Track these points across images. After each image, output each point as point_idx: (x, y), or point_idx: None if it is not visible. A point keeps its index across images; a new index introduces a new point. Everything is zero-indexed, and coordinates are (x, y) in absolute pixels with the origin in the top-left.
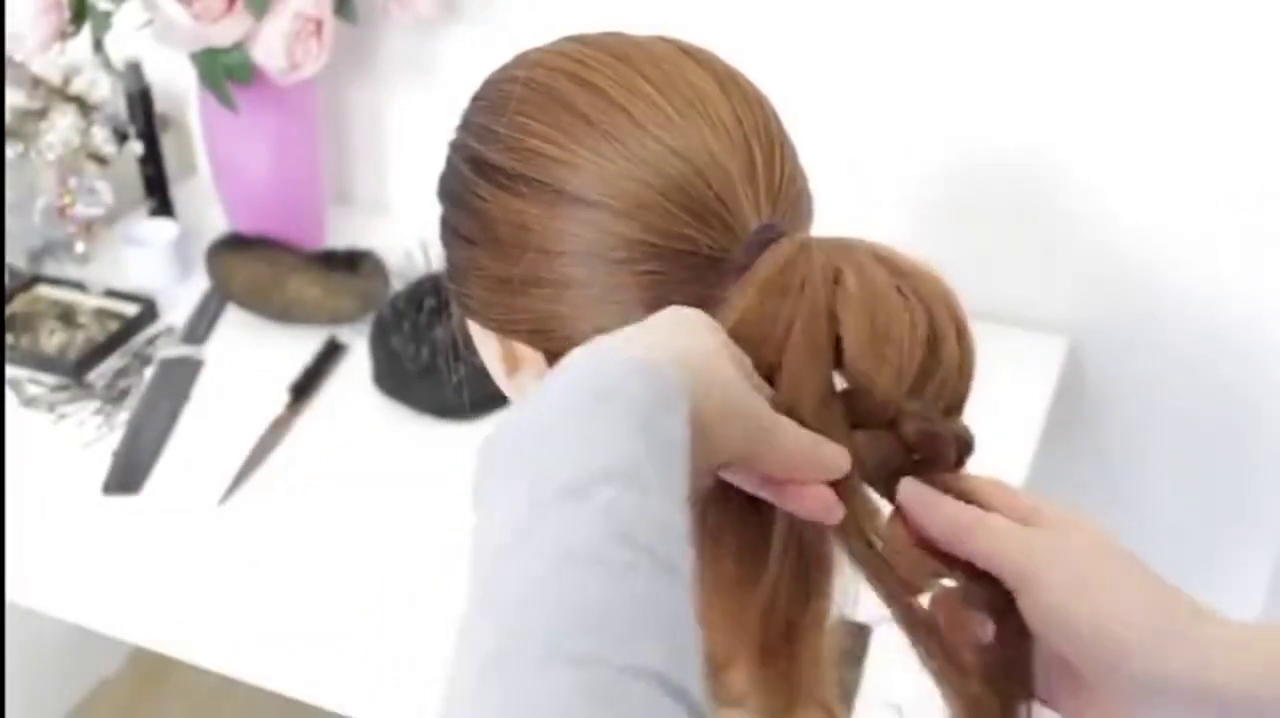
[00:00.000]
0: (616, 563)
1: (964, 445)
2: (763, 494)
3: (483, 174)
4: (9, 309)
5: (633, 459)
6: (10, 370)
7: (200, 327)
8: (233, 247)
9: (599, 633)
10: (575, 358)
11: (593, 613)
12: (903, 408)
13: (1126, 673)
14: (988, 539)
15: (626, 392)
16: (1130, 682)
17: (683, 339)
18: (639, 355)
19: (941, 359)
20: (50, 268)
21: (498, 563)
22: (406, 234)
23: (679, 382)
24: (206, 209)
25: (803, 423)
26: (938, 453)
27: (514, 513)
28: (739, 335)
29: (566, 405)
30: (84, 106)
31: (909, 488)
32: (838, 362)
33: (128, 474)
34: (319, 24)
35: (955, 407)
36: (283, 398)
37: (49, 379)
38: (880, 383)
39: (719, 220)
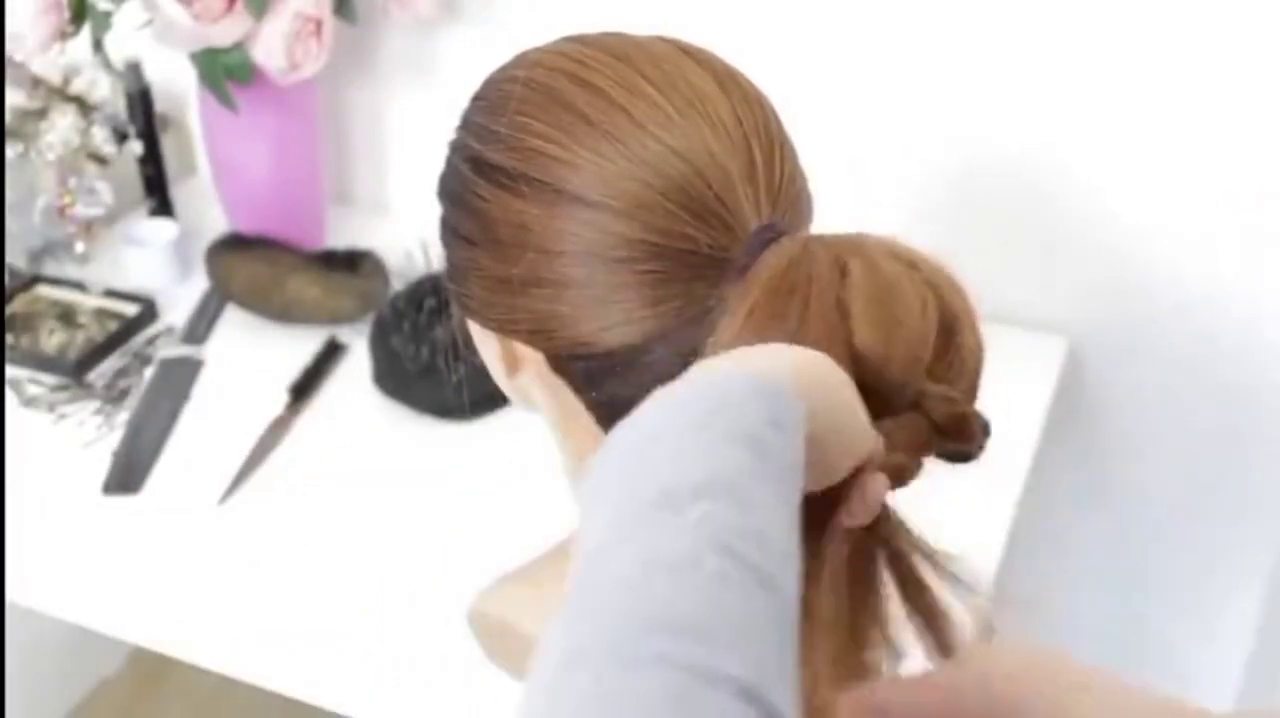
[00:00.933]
0: (709, 572)
1: (986, 429)
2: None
3: (483, 174)
4: (9, 309)
5: (738, 474)
6: (10, 370)
7: (200, 327)
8: (233, 247)
9: (683, 637)
10: (696, 370)
11: (678, 618)
12: (925, 390)
13: None
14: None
15: (740, 408)
16: None
17: (803, 354)
18: (759, 371)
19: (956, 342)
20: (50, 268)
21: (590, 566)
22: (406, 234)
23: (796, 404)
24: (206, 209)
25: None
26: (968, 434)
27: (611, 519)
28: (748, 336)
29: (678, 417)
30: (84, 106)
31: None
32: (853, 354)
33: (128, 474)
34: (319, 24)
35: (971, 392)
36: (283, 398)
37: (49, 379)
38: (896, 365)
39: (719, 220)
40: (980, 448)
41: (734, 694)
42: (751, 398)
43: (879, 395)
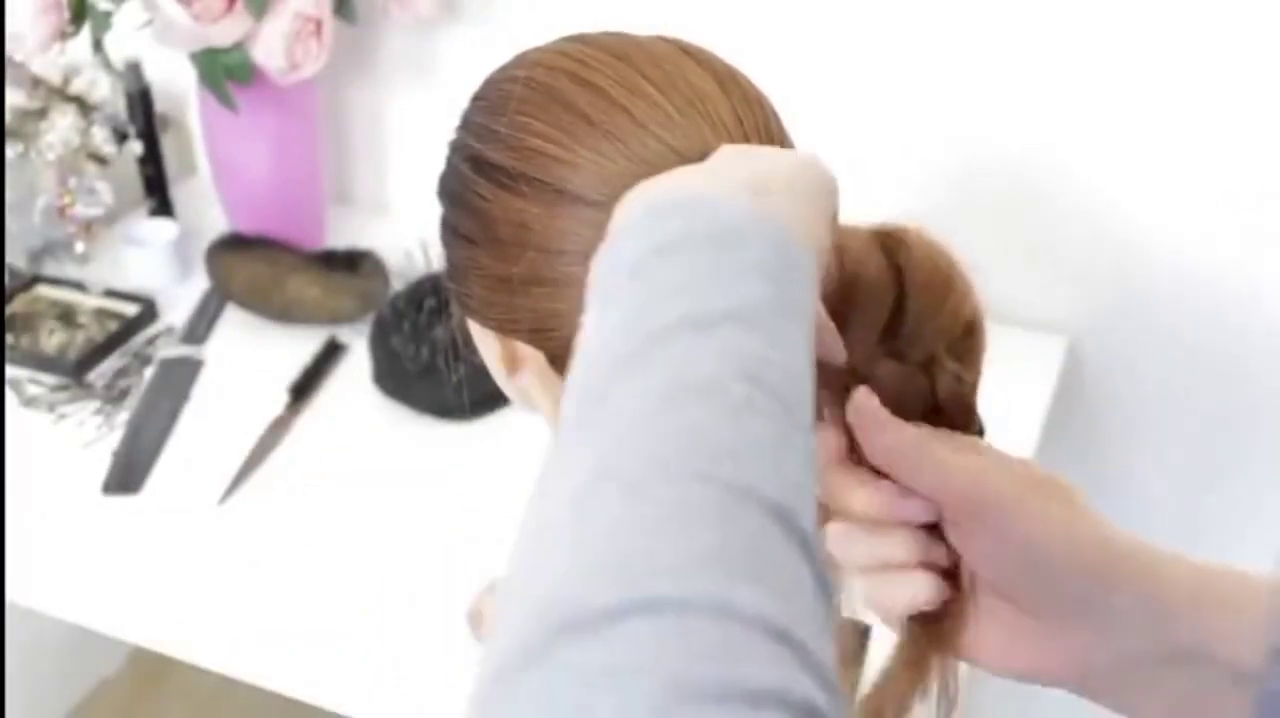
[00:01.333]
0: (736, 397)
1: (981, 432)
2: None
3: (483, 173)
4: (9, 309)
5: (762, 307)
6: (10, 370)
7: (200, 327)
8: (233, 247)
9: (711, 457)
10: (701, 186)
11: (705, 440)
12: (942, 360)
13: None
14: (933, 467)
15: (757, 250)
16: (1074, 599)
17: (809, 207)
18: (777, 216)
19: (975, 341)
20: (50, 268)
21: (605, 389)
22: (406, 234)
23: (810, 262)
24: (206, 209)
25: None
26: (964, 421)
27: (627, 337)
28: None
29: (697, 237)
30: (84, 106)
31: (864, 401)
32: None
33: (128, 474)
34: (319, 24)
35: (976, 386)
36: (283, 398)
37: (49, 379)
38: (941, 319)
39: None
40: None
41: (769, 512)
42: (769, 242)
43: (899, 338)
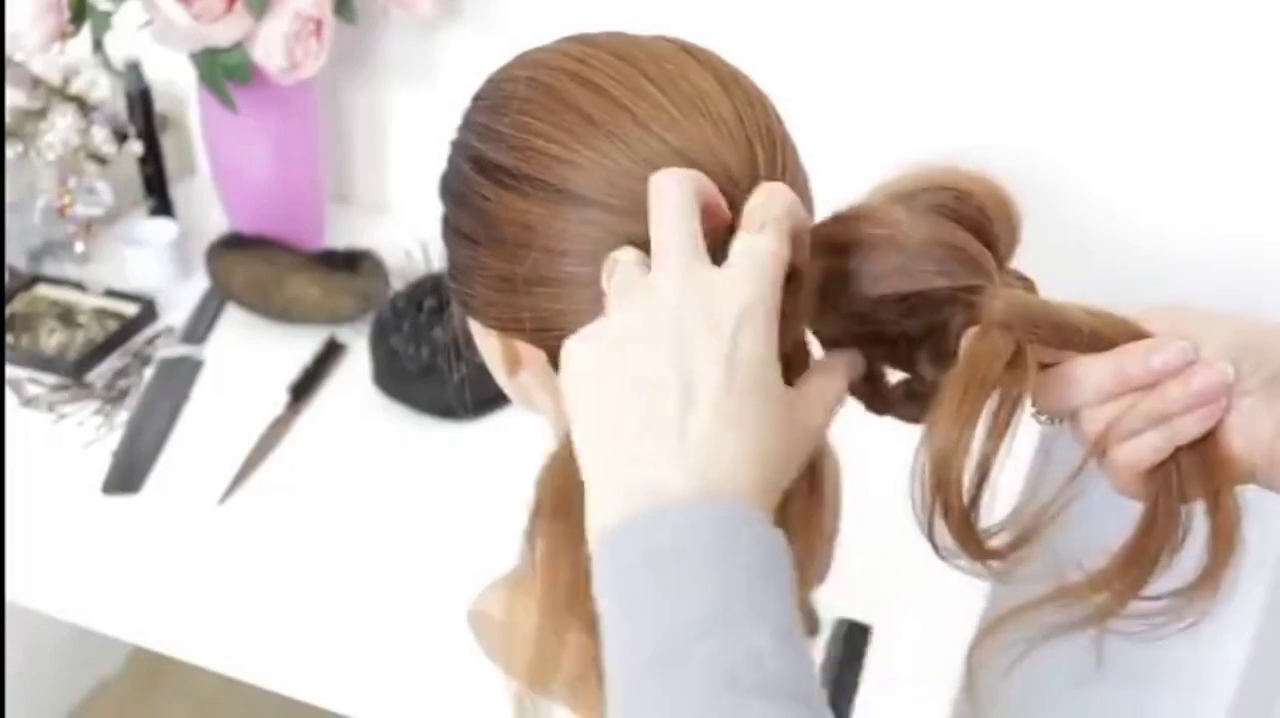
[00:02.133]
0: (726, 714)
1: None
2: None
3: (486, 173)
4: (9, 309)
5: (719, 605)
6: (10, 370)
7: (200, 327)
8: (232, 247)
9: None
10: (635, 517)
11: None
12: (994, 279)
13: None
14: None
15: (691, 546)
16: None
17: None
18: (692, 491)
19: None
20: (50, 268)
21: None
22: (406, 234)
23: (743, 500)
24: (206, 209)
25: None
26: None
27: (625, 691)
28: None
29: (640, 572)
30: (84, 106)
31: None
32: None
33: (127, 474)
34: (319, 24)
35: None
36: (282, 398)
37: (49, 379)
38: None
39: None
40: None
41: None
42: (697, 527)
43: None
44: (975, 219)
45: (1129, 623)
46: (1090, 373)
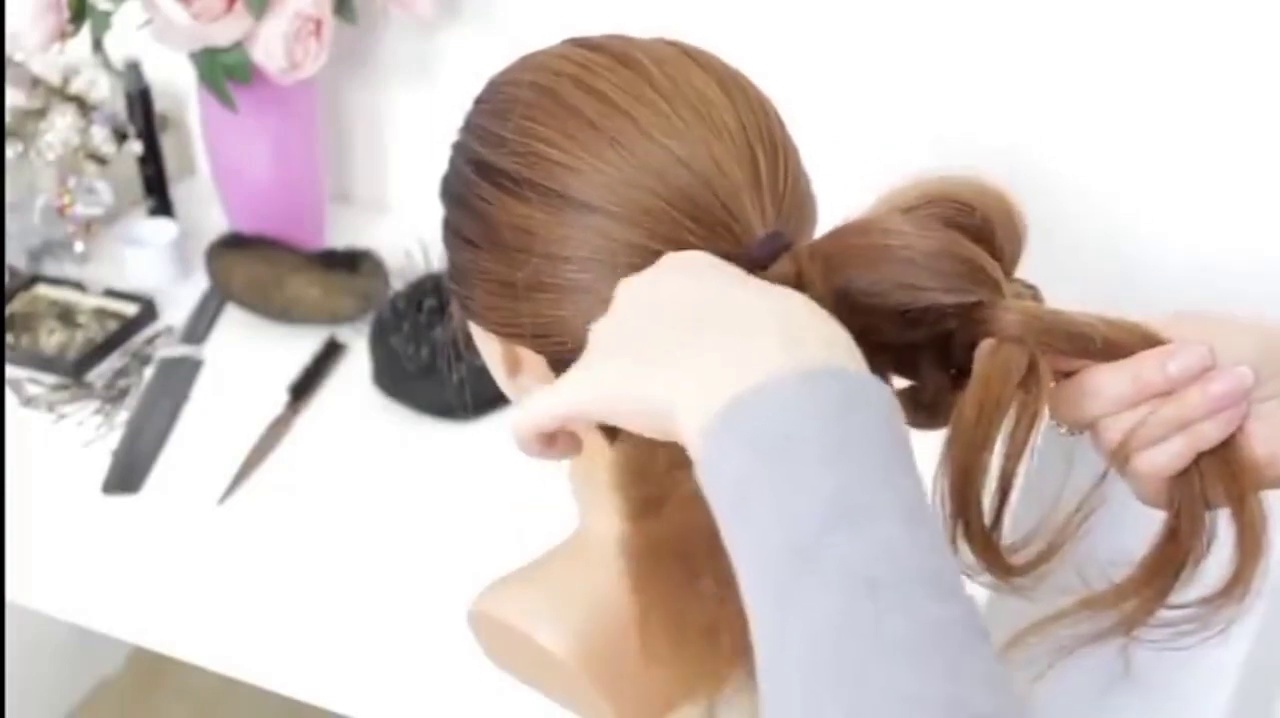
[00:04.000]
0: (870, 619)
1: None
2: None
3: (487, 177)
4: (9, 309)
5: (846, 495)
6: (10, 370)
7: (200, 327)
8: (232, 247)
9: (892, 704)
10: (746, 390)
11: (878, 689)
12: (1004, 287)
13: None
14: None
15: (808, 429)
16: None
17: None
18: (810, 363)
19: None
20: (50, 268)
21: (772, 657)
22: (406, 234)
23: (851, 376)
24: (206, 209)
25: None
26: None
27: (765, 589)
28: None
29: (754, 463)
30: (83, 106)
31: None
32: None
33: (127, 474)
34: (319, 24)
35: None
36: (282, 398)
37: (48, 379)
38: (1018, 234)
39: (724, 227)
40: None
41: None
42: (814, 396)
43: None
44: (981, 230)
45: (1155, 632)
46: (1108, 382)
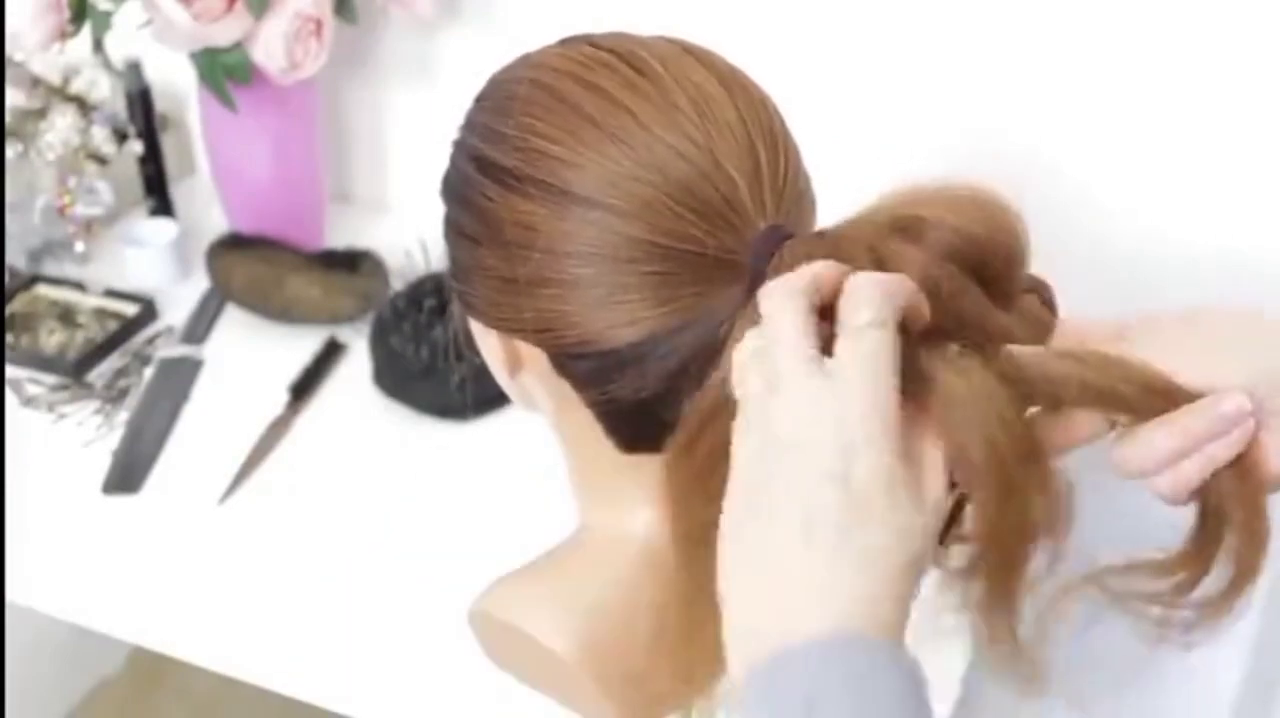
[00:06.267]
0: None
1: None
2: None
3: (489, 175)
4: (9, 309)
5: None
6: (10, 370)
7: (200, 327)
8: (232, 247)
9: None
10: (760, 673)
11: None
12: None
13: None
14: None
15: (825, 690)
16: None
17: (854, 565)
18: (817, 634)
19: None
20: (50, 268)
21: None
22: (406, 234)
23: (875, 645)
24: (206, 209)
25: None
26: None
27: None
28: None
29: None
30: (84, 106)
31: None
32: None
33: (127, 474)
34: (319, 24)
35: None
36: (282, 398)
37: (48, 379)
38: (1016, 254)
39: (725, 222)
40: None
41: None
42: (827, 679)
43: (998, 286)
44: (987, 264)
45: (1167, 628)
46: (1156, 445)
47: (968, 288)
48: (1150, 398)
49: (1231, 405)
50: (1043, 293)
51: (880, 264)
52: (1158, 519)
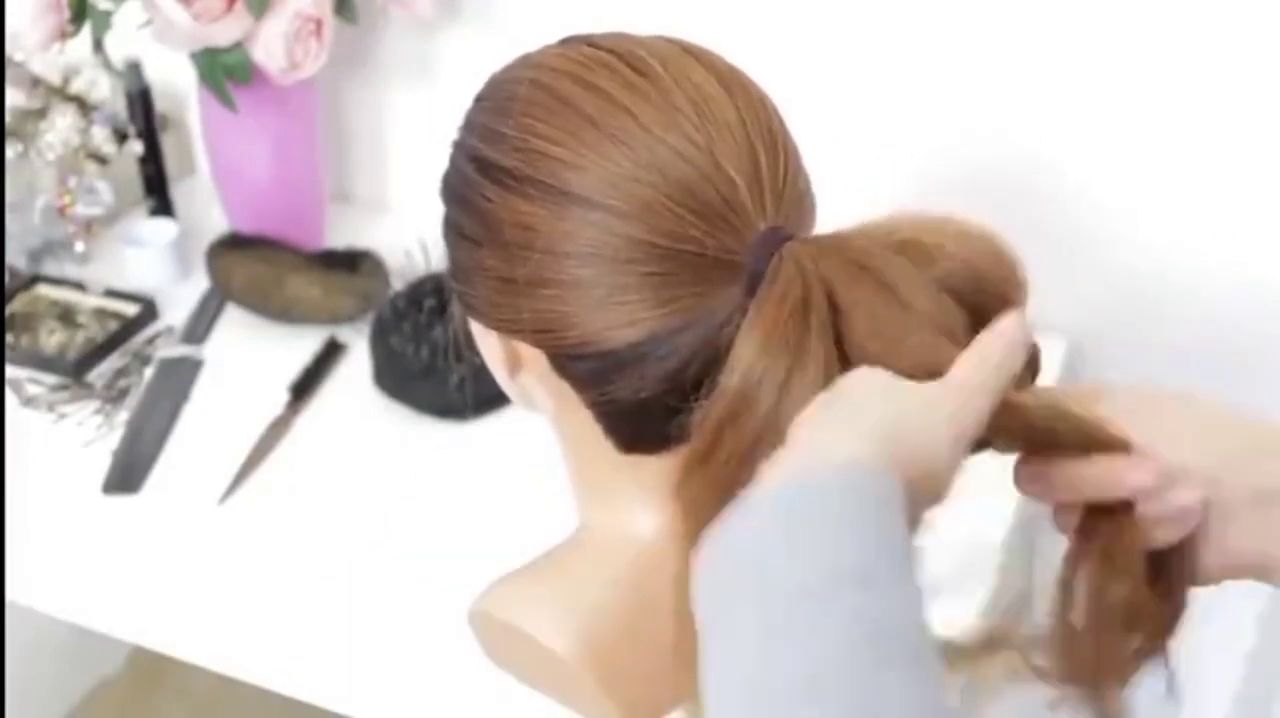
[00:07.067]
0: (874, 667)
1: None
2: None
3: (488, 175)
4: (9, 309)
5: (864, 560)
6: (10, 370)
7: (200, 327)
8: (232, 247)
9: None
10: (786, 469)
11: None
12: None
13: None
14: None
15: (841, 502)
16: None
17: (882, 409)
18: (850, 455)
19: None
20: (50, 268)
21: (748, 680)
22: (406, 234)
23: (888, 479)
24: (206, 209)
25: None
26: (1037, 364)
27: (747, 646)
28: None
29: (784, 521)
30: (84, 106)
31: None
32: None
33: (127, 474)
34: (319, 24)
35: None
36: (282, 398)
37: (49, 379)
38: (1011, 294)
39: (725, 222)
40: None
41: None
42: (848, 490)
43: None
44: (984, 306)
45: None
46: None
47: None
48: (1076, 440)
49: (1180, 500)
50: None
51: (878, 279)
52: None
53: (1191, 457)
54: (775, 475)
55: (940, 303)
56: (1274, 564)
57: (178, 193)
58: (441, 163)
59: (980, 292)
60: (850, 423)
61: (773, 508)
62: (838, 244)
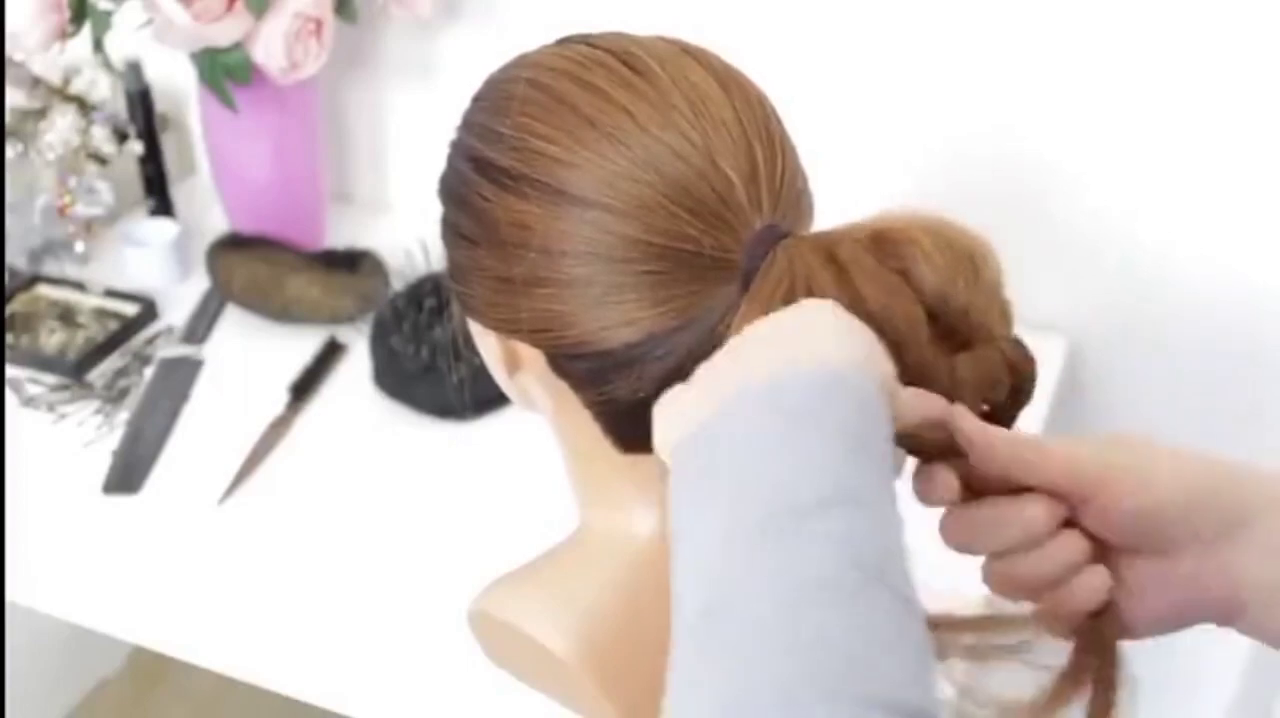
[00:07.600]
0: (850, 592)
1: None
2: None
3: (485, 175)
4: (9, 309)
5: (853, 481)
6: (10, 370)
7: (200, 327)
8: (233, 247)
9: (840, 670)
10: (772, 369)
11: (833, 649)
12: (995, 330)
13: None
14: (1058, 462)
15: (835, 412)
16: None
17: (858, 338)
18: (839, 366)
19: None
20: (50, 268)
21: (720, 600)
22: (406, 234)
23: (878, 392)
24: (206, 209)
25: (920, 361)
26: (1029, 380)
27: (727, 543)
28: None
29: (771, 425)
30: (84, 106)
31: (970, 423)
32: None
33: (127, 474)
34: (319, 24)
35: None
36: (282, 398)
37: (49, 379)
38: (977, 303)
39: (721, 221)
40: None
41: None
42: (842, 395)
43: (958, 328)
44: (964, 322)
45: None
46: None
47: (920, 332)
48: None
49: (1030, 510)
50: (1025, 370)
51: (842, 272)
52: None
53: (1165, 494)
54: (761, 374)
55: (896, 301)
56: (1243, 598)
57: (178, 193)
58: (441, 163)
59: (950, 313)
60: (844, 341)
61: (759, 414)
62: (820, 240)
